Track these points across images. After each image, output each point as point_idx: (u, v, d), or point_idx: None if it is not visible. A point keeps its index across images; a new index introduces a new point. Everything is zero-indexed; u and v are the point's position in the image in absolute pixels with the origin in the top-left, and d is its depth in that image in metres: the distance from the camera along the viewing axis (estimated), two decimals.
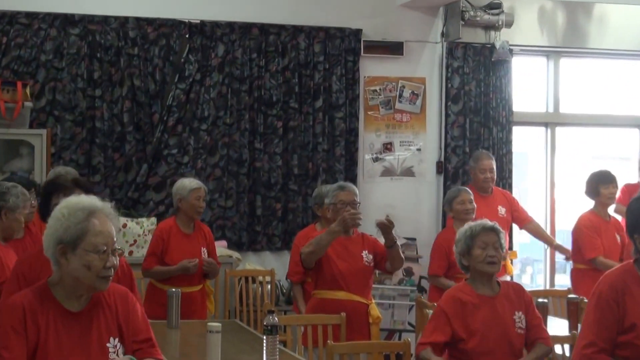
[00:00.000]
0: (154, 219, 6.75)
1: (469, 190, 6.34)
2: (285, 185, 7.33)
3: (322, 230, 5.39)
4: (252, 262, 7.21)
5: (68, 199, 2.81)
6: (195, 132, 7.14)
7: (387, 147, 7.68)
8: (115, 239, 2.77)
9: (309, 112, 7.37)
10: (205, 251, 5.75)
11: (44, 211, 3.79)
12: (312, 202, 6.11)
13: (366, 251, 5.01)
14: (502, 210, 6.81)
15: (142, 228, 6.65)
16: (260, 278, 6.74)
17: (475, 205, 6.22)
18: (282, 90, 7.29)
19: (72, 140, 6.93)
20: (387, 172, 7.72)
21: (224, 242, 7.08)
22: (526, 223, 7.00)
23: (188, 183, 5.71)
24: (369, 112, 7.67)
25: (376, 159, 7.68)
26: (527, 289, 4.18)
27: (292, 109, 7.33)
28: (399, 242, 4.99)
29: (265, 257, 7.34)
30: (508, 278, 6.41)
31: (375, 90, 7.66)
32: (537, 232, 7.04)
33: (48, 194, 3.81)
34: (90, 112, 6.94)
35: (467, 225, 4.07)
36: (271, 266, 7.13)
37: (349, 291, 4.95)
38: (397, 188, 7.67)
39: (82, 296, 2.80)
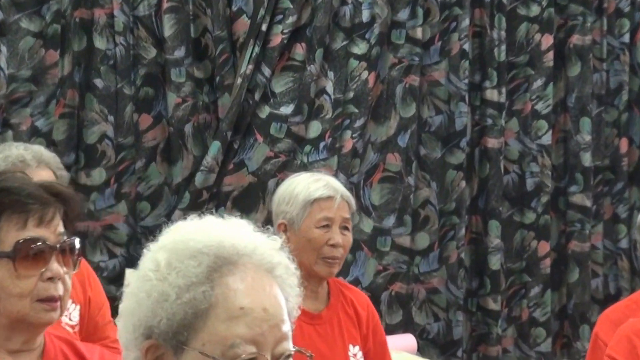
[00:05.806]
0: None
1: None
2: (559, 192, 5.34)
3: None
4: None
5: (179, 226, 1.73)
6: (334, 63, 5.13)
7: None
8: (284, 327, 1.68)
9: None
10: (361, 354, 3.67)
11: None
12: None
13: None
14: None
15: None
16: None
17: None
18: None
19: (39, 84, 4.93)
20: None
21: (409, 338, 5.11)
22: None
23: (304, 185, 3.70)
24: None
25: None
26: None
27: None
28: None
29: None
30: None
31: None
32: None
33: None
34: (83, 13, 4.82)
35: None
36: None
37: None
38: None
39: None
